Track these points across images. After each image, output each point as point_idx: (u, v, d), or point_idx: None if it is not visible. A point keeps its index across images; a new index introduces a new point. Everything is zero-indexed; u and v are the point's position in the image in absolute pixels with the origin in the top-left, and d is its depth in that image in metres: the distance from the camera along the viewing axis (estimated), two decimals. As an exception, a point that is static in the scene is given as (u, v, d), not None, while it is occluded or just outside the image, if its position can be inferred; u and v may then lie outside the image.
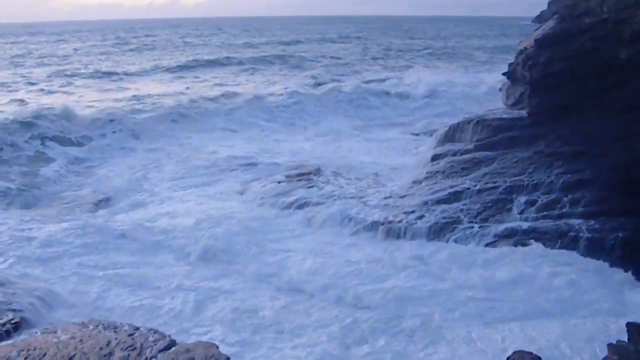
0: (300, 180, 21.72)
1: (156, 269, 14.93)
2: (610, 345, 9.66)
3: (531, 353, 8.23)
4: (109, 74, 53.56)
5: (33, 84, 47.89)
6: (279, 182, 21.76)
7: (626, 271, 14.39)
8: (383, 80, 47.72)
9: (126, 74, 53.83)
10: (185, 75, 53.55)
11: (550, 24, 22.06)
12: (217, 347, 9.56)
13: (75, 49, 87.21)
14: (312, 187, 20.73)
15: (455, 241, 16.32)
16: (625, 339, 9.27)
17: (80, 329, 10.18)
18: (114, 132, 30.41)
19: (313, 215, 18.48)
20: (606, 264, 14.65)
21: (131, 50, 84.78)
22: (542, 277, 13.94)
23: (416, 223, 17.01)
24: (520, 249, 15.38)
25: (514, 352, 8.79)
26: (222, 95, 40.13)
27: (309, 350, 11.29)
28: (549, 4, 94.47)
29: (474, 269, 14.64)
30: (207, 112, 35.80)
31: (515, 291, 13.48)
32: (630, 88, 17.55)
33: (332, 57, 70.37)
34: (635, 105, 17.33)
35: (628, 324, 10.04)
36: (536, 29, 24.66)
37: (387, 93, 42.16)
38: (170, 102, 37.10)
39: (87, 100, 39.29)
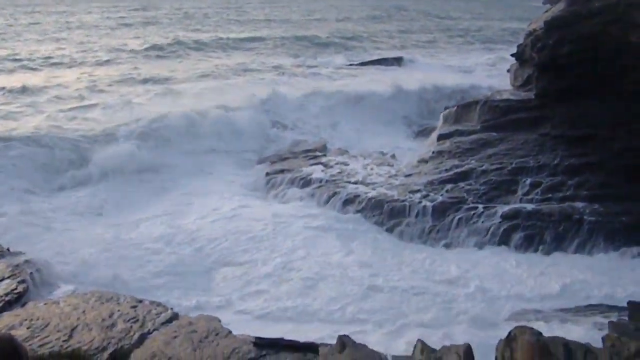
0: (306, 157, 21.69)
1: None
2: (610, 323, 9.77)
3: (532, 328, 8.30)
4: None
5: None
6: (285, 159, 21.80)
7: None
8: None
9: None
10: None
11: (560, 6, 21.94)
12: (220, 321, 9.62)
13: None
14: (317, 164, 20.67)
15: (460, 220, 16.40)
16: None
17: (83, 300, 10.17)
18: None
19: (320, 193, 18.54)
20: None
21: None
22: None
23: (421, 202, 17.04)
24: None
25: (515, 327, 8.87)
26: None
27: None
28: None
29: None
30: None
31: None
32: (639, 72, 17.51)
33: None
34: (643, 90, 17.32)
35: (629, 303, 10.16)
36: (546, 11, 24.54)
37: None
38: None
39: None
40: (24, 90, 29.13)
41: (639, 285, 13.38)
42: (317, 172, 19.82)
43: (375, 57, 44.96)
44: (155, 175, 20.27)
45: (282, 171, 20.33)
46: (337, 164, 20.69)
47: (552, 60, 19.73)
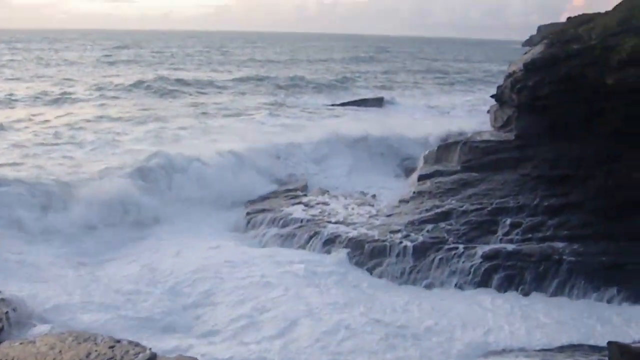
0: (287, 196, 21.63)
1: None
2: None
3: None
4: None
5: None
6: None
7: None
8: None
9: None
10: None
11: (539, 48, 22.24)
12: None
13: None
14: (298, 203, 20.60)
15: (441, 260, 16.31)
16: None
17: (60, 339, 10.00)
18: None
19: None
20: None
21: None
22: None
23: (402, 242, 16.99)
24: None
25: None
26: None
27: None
28: (538, 29, 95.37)
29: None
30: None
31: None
32: (617, 113, 17.69)
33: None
34: (620, 130, 17.48)
35: (609, 343, 10.13)
36: (525, 53, 24.86)
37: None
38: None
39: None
40: (1, 127, 28.97)
41: (618, 326, 13.39)
42: (297, 211, 19.72)
43: (356, 98, 45.36)
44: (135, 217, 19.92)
45: (262, 210, 20.21)
46: (317, 203, 20.60)
47: (531, 101, 19.95)
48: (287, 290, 14.69)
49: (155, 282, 15.04)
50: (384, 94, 47.61)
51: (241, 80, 53.95)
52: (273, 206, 20.47)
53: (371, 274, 16.39)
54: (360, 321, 13.26)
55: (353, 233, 17.80)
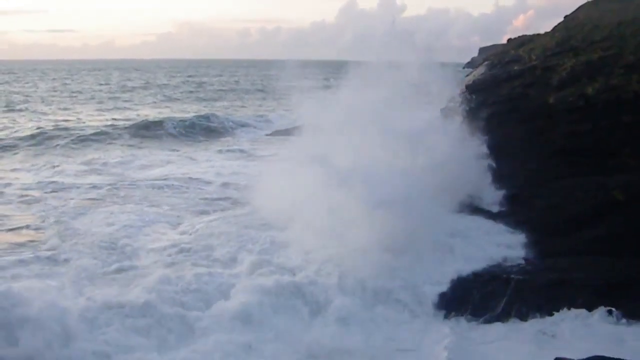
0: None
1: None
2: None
3: None
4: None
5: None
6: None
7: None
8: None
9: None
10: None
11: (480, 70, 22.60)
12: None
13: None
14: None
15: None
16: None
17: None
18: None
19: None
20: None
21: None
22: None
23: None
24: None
25: None
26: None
27: None
28: (480, 51, 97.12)
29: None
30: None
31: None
32: (559, 132, 17.97)
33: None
34: (564, 149, 17.74)
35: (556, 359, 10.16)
36: (467, 75, 25.20)
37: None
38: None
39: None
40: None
41: (567, 341, 13.39)
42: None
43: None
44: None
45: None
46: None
47: (474, 122, 20.12)
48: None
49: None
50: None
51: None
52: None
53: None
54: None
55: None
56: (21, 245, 16.96)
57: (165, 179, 25.26)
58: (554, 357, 10.41)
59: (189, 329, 12.51)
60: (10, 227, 18.60)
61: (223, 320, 12.75)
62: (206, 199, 21.93)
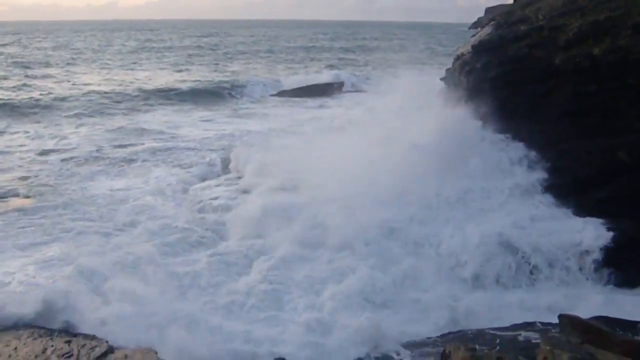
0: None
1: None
2: (543, 336, 9.86)
3: (465, 344, 8.44)
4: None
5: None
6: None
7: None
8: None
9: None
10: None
11: (486, 30, 22.36)
12: (156, 353, 9.50)
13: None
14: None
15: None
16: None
17: (15, 337, 9.91)
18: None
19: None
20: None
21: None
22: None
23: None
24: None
25: (449, 344, 8.95)
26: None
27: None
28: (486, 11, 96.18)
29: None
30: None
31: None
32: (565, 93, 17.86)
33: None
34: (570, 110, 17.65)
35: (560, 316, 10.27)
36: (473, 35, 24.97)
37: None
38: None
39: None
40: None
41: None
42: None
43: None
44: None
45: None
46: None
47: (480, 83, 20.01)
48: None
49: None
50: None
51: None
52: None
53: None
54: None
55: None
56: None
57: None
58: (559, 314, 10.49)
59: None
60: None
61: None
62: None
